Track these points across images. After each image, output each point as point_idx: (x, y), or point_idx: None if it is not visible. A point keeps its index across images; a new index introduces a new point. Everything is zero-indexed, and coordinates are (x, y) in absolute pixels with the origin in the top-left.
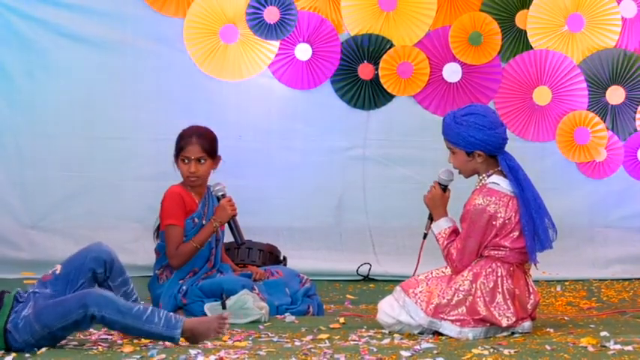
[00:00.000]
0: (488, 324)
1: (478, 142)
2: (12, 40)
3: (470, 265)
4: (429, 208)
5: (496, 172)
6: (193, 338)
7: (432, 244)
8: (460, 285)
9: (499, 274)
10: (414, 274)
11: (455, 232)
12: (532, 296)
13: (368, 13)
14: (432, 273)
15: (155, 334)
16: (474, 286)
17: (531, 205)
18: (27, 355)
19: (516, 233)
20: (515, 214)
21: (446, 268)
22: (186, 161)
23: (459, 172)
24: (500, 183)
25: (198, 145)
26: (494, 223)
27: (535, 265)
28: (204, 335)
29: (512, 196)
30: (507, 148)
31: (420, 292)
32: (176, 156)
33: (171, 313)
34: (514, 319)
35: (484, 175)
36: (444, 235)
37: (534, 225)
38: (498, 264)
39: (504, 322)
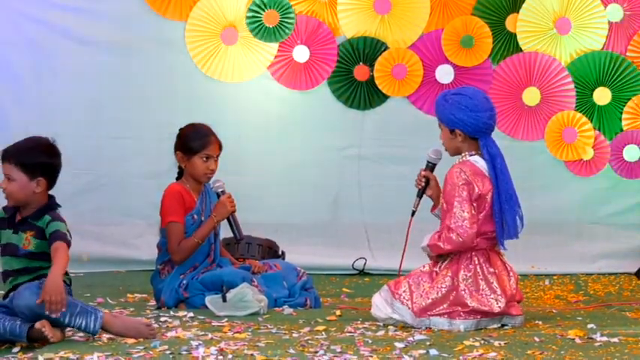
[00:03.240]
0: (479, 316)
1: (457, 120)
2: (21, 42)
3: (474, 232)
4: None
5: (479, 153)
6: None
7: (418, 232)
8: (442, 283)
9: (476, 262)
10: (403, 254)
11: (437, 232)
12: (511, 274)
13: (363, 17)
14: (414, 272)
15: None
16: (455, 280)
17: (502, 195)
18: (35, 344)
19: (487, 216)
20: (489, 194)
21: (424, 267)
22: (206, 159)
23: (445, 149)
24: (478, 162)
25: (217, 143)
26: (472, 186)
27: (500, 250)
28: (130, 336)
29: (487, 177)
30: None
31: (404, 291)
32: (189, 152)
33: (18, 323)
34: (504, 300)
35: (466, 153)
36: (431, 238)
37: (502, 214)
38: (473, 253)
39: (496, 308)
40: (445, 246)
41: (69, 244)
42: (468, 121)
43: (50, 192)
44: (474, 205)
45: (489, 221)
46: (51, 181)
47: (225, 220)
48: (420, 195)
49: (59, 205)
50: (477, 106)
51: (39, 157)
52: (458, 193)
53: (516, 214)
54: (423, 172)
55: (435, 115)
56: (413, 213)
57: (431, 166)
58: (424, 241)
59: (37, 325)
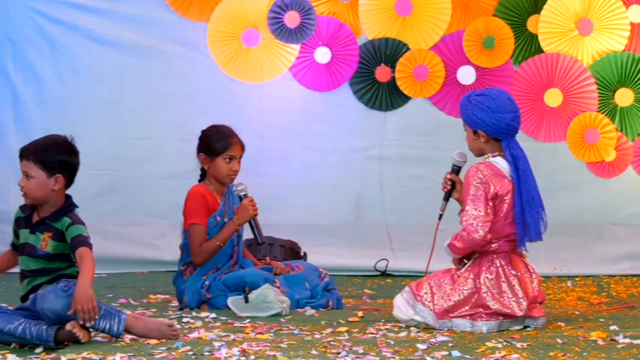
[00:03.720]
0: (501, 317)
1: (479, 121)
2: (43, 43)
3: (486, 230)
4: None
5: (502, 155)
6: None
7: (445, 234)
8: (464, 285)
9: (498, 264)
10: (430, 257)
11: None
12: (534, 275)
13: (385, 18)
14: (436, 273)
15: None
16: (477, 282)
17: (524, 196)
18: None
19: (509, 218)
20: (508, 195)
21: (447, 270)
22: (230, 160)
23: (470, 150)
24: (499, 162)
25: (240, 144)
26: (487, 186)
27: (522, 251)
28: (152, 337)
29: (507, 177)
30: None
31: (425, 293)
32: (212, 154)
33: (44, 328)
34: (525, 303)
35: (489, 154)
36: (451, 239)
37: (524, 215)
38: (494, 256)
39: (518, 312)
40: (458, 244)
41: (91, 248)
42: (490, 122)
43: (72, 192)
44: (490, 204)
45: (511, 224)
46: (69, 180)
47: (247, 223)
48: (446, 198)
49: (77, 206)
50: (500, 107)
51: (57, 155)
52: (472, 192)
53: (539, 216)
54: (448, 176)
55: (456, 116)
56: (440, 216)
57: (456, 169)
58: (446, 242)
59: (68, 326)
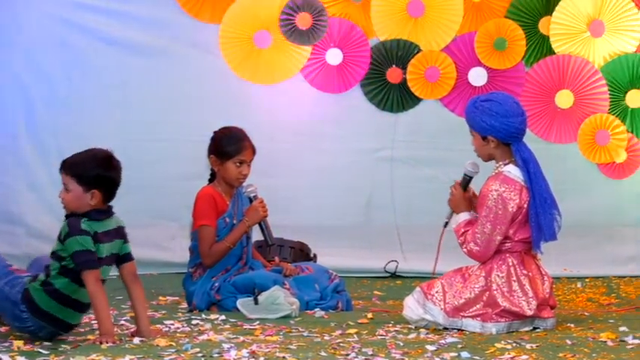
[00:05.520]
0: (511, 318)
1: (489, 127)
2: (51, 43)
3: (490, 253)
4: (452, 209)
5: (512, 161)
6: None
7: (454, 240)
8: (475, 282)
9: (510, 263)
10: (435, 264)
11: (472, 222)
12: (545, 278)
13: (397, 19)
14: (447, 273)
15: None
16: (488, 280)
17: (537, 199)
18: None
19: (524, 222)
20: (525, 204)
21: (458, 269)
22: (239, 164)
23: (478, 155)
24: (512, 171)
25: (251, 148)
26: (509, 209)
27: (536, 253)
28: None
29: (524, 185)
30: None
31: (437, 292)
32: (223, 157)
33: None
34: (535, 302)
35: (501, 162)
36: (460, 225)
37: (538, 217)
38: (507, 255)
39: (527, 311)
40: (462, 249)
41: (90, 266)
42: (500, 128)
43: None
44: (500, 227)
45: (525, 227)
46: (107, 194)
47: (257, 225)
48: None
49: (98, 219)
50: (508, 112)
51: (94, 170)
52: (485, 213)
53: (553, 217)
54: (454, 190)
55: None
56: (445, 224)
57: (468, 179)
58: (454, 223)
59: None
